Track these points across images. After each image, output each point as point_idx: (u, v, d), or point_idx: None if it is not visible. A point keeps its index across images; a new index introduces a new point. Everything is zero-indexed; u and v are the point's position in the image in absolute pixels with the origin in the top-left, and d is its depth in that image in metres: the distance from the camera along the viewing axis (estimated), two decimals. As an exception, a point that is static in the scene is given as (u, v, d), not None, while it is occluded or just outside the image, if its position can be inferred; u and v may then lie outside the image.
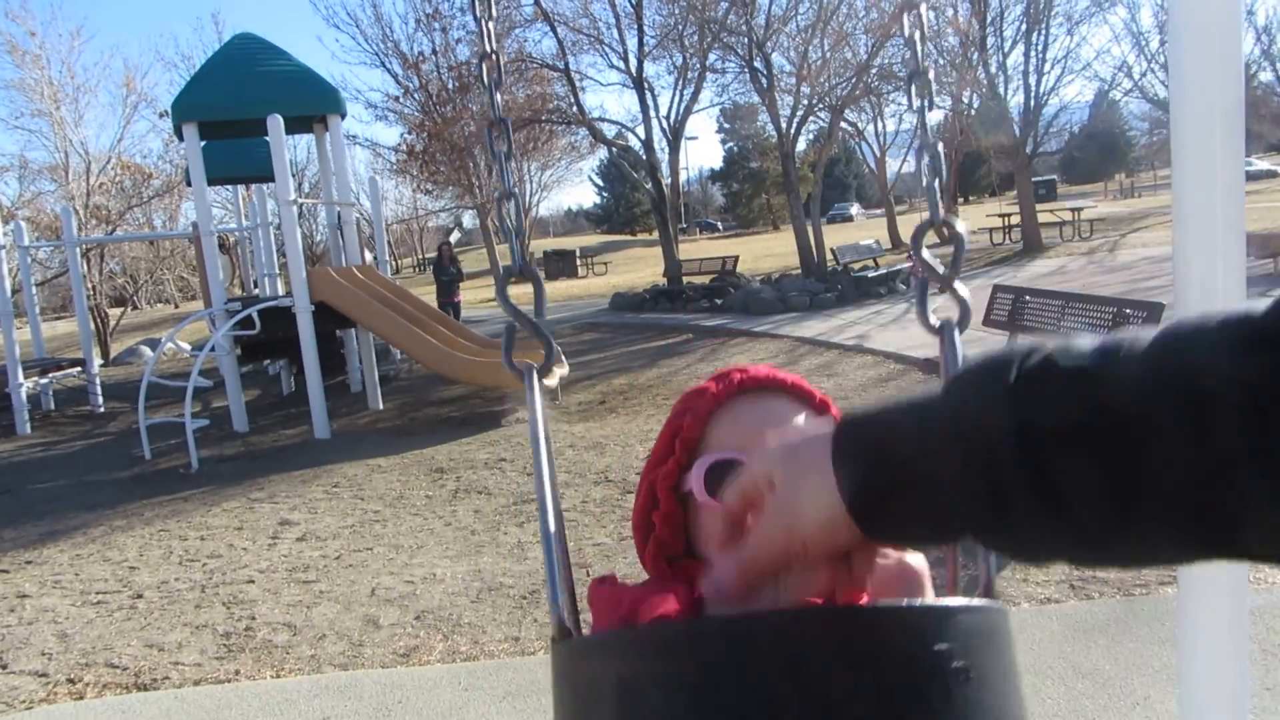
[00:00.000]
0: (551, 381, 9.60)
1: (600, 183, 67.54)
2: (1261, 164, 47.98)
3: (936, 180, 1.03)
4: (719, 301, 17.29)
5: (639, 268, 36.48)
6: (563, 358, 10.28)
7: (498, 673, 3.43)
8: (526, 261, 1.11)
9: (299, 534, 5.80)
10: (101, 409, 12.18)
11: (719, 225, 69.07)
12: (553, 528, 0.87)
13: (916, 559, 0.80)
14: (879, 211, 44.28)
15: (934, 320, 0.97)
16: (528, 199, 40.02)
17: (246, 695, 3.40)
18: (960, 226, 0.97)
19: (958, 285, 0.94)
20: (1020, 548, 0.54)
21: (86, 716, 3.36)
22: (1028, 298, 7.02)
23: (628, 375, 11.25)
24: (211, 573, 5.16)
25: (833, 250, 18.01)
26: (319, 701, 3.28)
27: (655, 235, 24.25)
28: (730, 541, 0.69)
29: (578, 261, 38.82)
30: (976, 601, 0.72)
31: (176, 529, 6.16)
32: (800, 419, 0.89)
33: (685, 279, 20.07)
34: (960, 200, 41.95)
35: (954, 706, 0.63)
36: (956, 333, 0.96)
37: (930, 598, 0.78)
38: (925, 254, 0.95)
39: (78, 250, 13.47)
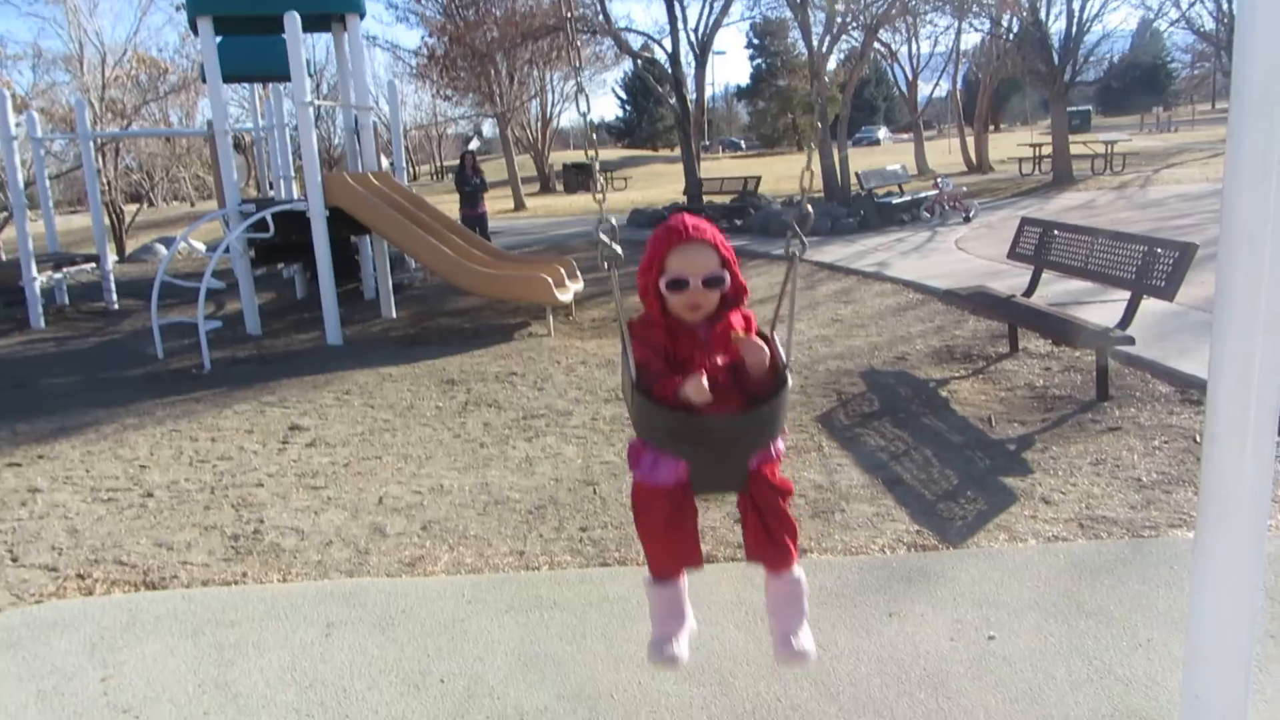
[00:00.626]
0: (566, 296, 9.56)
1: (624, 95, 66.20)
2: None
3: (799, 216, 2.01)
4: (739, 222, 17.04)
5: (660, 184, 35.98)
6: (577, 272, 10.19)
7: (501, 586, 3.45)
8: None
9: (309, 439, 5.82)
10: (115, 306, 12.20)
11: (742, 144, 67.82)
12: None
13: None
14: (906, 136, 43.30)
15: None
16: (548, 109, 39.32)
17: (252, 598, 3.43)
18: (809, 210, 1.80)
19: (773, 337, 2.08)
20: None
21: (94, 612, 3.40)
22: (1056, 232, 6.83)
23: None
24: (221, 475, 5.19)
25: (857, 174, 17.64)
26: (324, 608, 3.31)
27: (677, 151, 23.79)
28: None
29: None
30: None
31: (188, 429, 6.20)
32: (704, 252, 2.11)
33: (705, 198, 19.76)
34: (992, 128, 40.94)
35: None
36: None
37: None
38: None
39: (91, 144, 13.31)
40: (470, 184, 13.94)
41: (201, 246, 17.07)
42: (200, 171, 30.06)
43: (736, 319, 2.17)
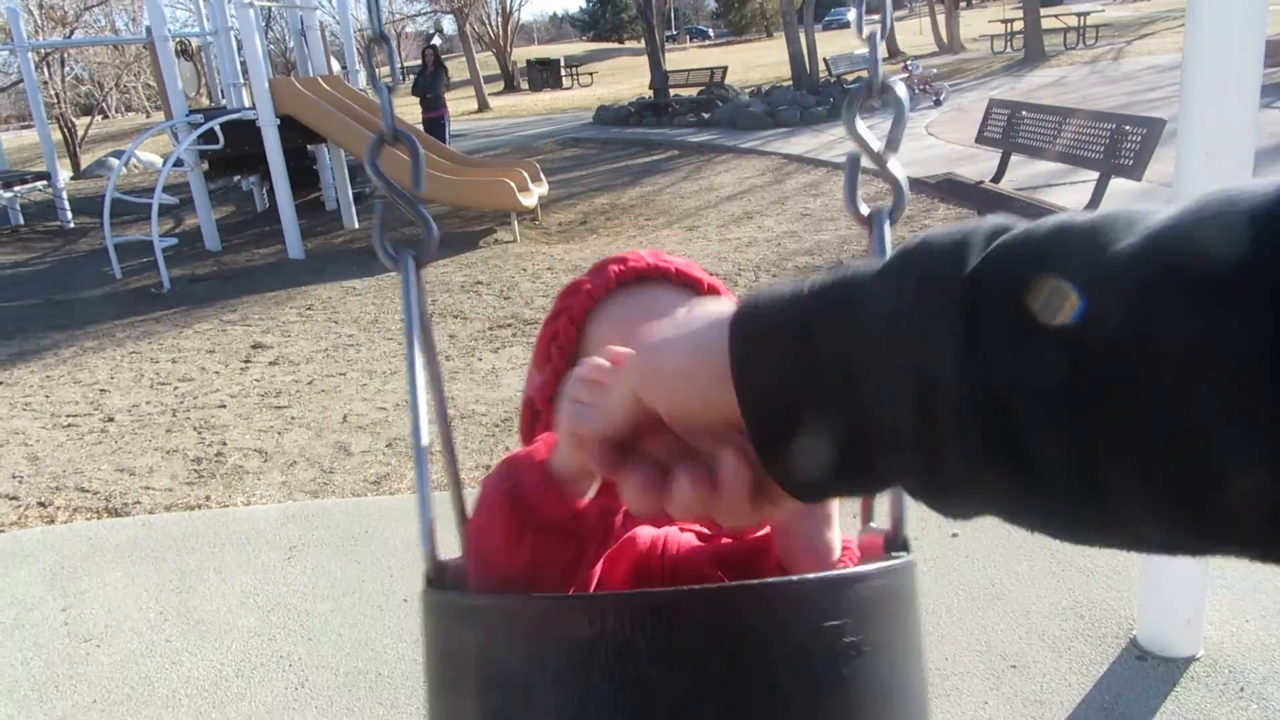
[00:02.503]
0: (530, 200, 9.34)
1: (586, -16, 63.84)
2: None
3: (878, 33, 0.87)
4: (706, 116, 16.65)
5: (626, 78, 35.01)
6: (541, 175, 9.96)
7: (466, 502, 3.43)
8: (400, 124, 0.92)
9: (271, 358, 5.73)
10: (71, 224, 11.85)
11: (710, 32, 65.93)
12: (425, 441, 0.77)
13: None
14: (877, 18, 42.12)
15: (864, 208, 0.84)
16: (509, 3, 37.87)
17: (214, 523, 3.41)
18: (901, 91, 0.82)
19: (892, 164, 0.79)
20: (950, 497, 0.41)
21: (55, 541, 3.37)
22: (1024, 113, 6.69)
23: (610, 194, 10.93)
24: (183, 396, 5.12)
25: (825, 60, 17.19)
26: (286, 530, 3.29)
27: (643, 43, 23.08)
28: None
29: (562, 71, 37.19)
30: (873, 567, 0.63)
31: (148, 351, 6.08)
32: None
33: (672, 91, 19.25)
34: (963, 4, 39.87)
35: (843, 684, 0.56)
36: (888, 225, 0.83)
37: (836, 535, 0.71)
38: (859, 127, 0.79)
39: (30, 55, 12.69)
40: (425, 82, 12.73)
41: (157, 160, 16.53)
42: (152, 80, 28.92)
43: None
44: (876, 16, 0.97)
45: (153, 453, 4.33)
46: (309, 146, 10.97)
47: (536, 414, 0.89)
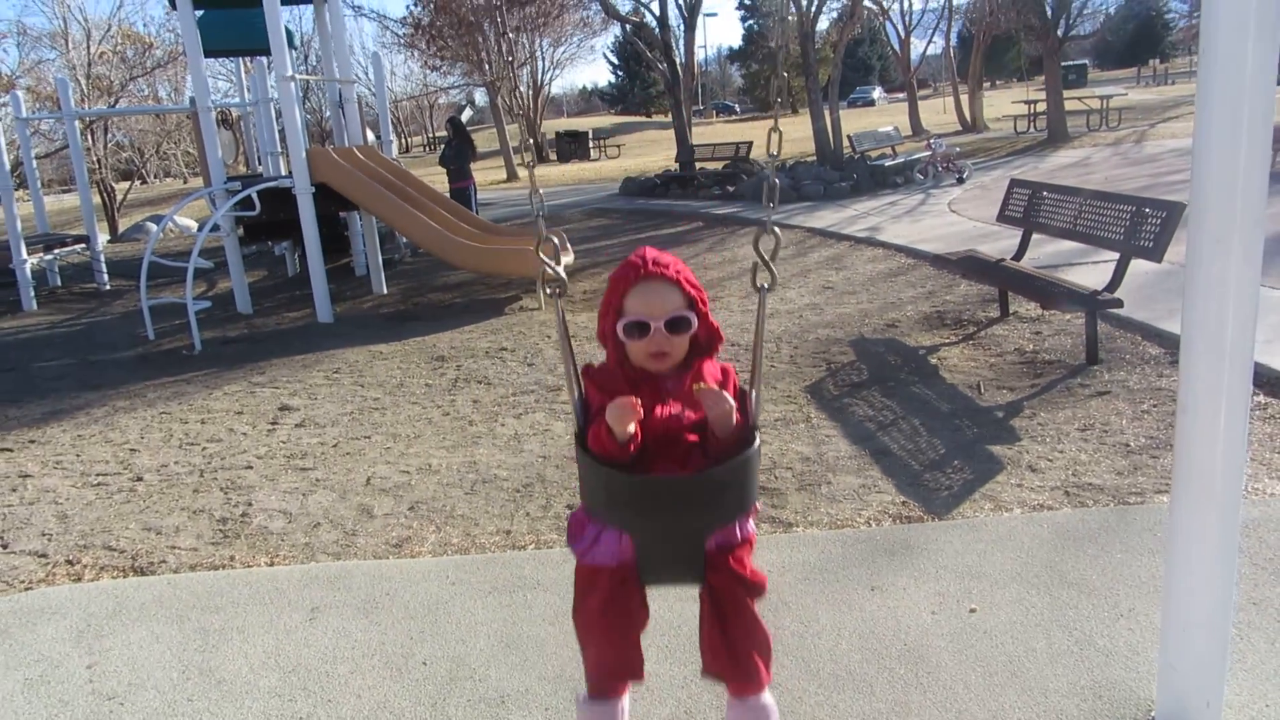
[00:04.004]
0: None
1: (615, 60, 65.54)
2: None
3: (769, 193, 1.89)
4: (730, 189, 16.93)
5: (653, 150, 35.70)
6: (568, 244, 10.14)
7: (485, 567, 3.46)
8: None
9: (298, 420, 5.82)
10: (107, 286, 12.16)
11: (736, 107, 67.26)
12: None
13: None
14: (901, 96, 42.91)
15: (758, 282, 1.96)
16: (539, 76, 38.92)
17: (238, 583, 3.45)
18: (778, 233, 1.86)
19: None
20: None
21: (82, 599, 3.41)
22: (1045, 193, 6.78)
23: (634, 264, 11.09)
24: (211, 457, 5.20)
25: (849, 137, 17.50)
26: (309, 591, 3.32)
27: (670, 117, 23.58)
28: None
29: (590, 143, 38.00)
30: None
31: (178, 411, 6.19)
32: (666, 291, 1.84)
33: (698, 164, 19.62)
34: (986, 85, 40.53)
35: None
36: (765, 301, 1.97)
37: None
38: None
39: (77, 122, 13.19)
40: (451, 154, 12.92)
41: (192, 225, 16.98)
42: (191, 148, 29.80)
43: (710, 369, 1.91)
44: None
45: (179, 512, 4.39)
46: (341, 214, 11.26)
47: (606, 336, 1.93)
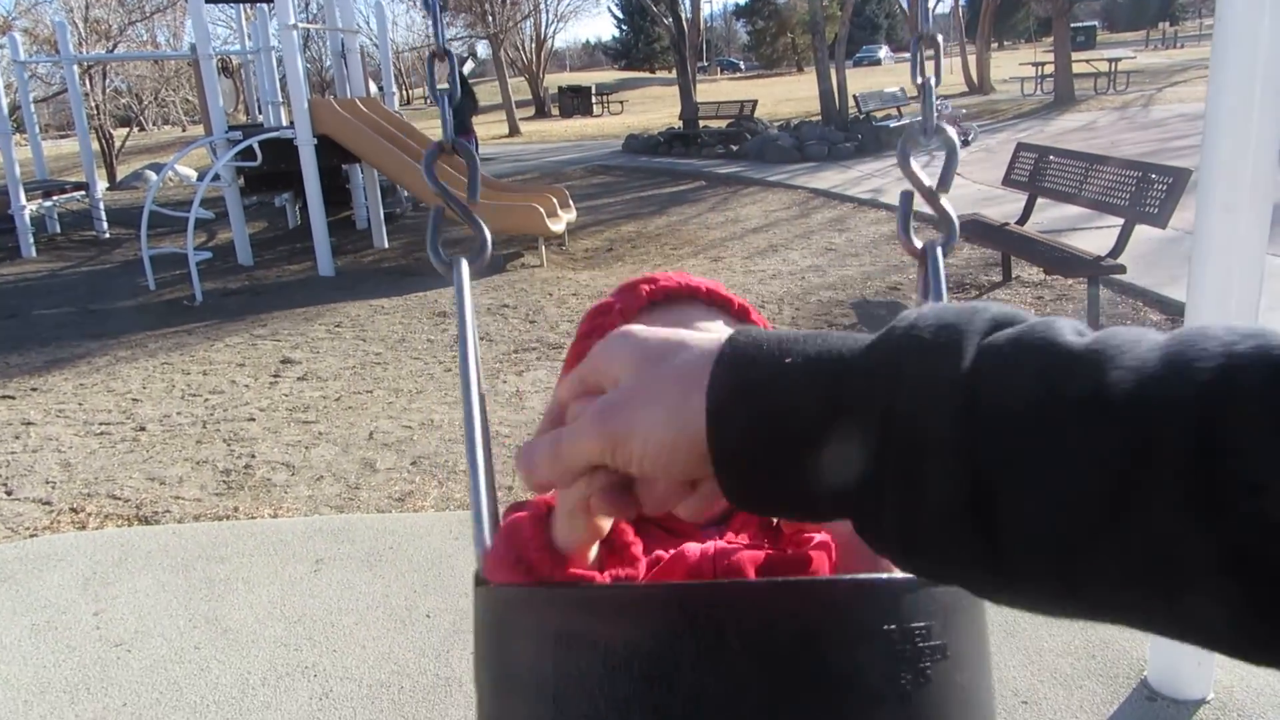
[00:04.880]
0: (558, 226, 9.46)
1: (620, 14, 64.60)
2: None
3: (933, 76, 0.93)
4: (734, 148, 16.80)
5: (656, 107, 35.34)
6: (569, 201, 10.09)
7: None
8: (457, 137, 1.01)
9: (300, 373, 5.83)
10: (106, 234, 12.10)
11: (741, 65, 66.47)
12: (480, 452, 0.79)
13: None
14: (906, 55, 42.38)
15: (917, 241, 0.90)
16: (542, 29, 38.40)
17: (243, 534, 3.48)
18: (952, 133, 0.88)
19: (944, 202, 0.85)
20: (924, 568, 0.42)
21: (87, 547, 3.45)
22: (1051, 157, 6.74)
23: (637, 222, 11.05)
24: (213, 409, 5.22)
25: (855, 97, 17.33)
26: (313, 543, 3.36)
27: (674, 74, 23.31)
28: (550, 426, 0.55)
29: (593, 99, 37.60)
30: None
31: (180, 362, 6.21)
32: (715, 327, 0.80)
33: (701, 123, 19.45)
34: (995, 45, 40.01)
35: (930, 688, 0.56)
36: (940, 256, 0.88)
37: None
38: (913, 165, 0.87)
39: (75, 67, 13.02)
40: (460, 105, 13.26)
41: (192, 174, 16.86)
42: (190, 95, 29.47)
43: None
44: (930, 52, 1.03)
45: (183, 463, 4.42)
46: (343, 166, 11.18)
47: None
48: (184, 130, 38.31)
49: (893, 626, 0.56)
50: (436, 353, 6.14)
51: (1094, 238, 7.15)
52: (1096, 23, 50.41)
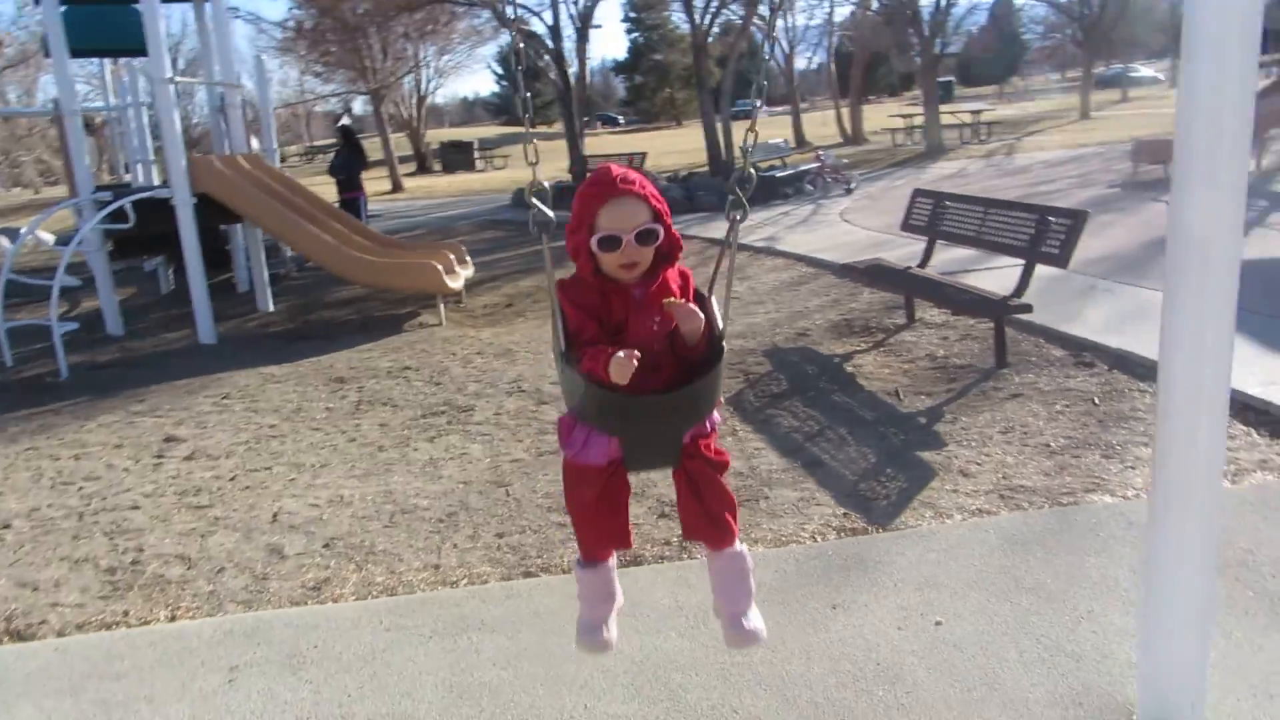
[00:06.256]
0: (456, 283, 9.20)
1: (500, 70, 64.83)
2: (1146, 70, 49.40)
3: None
4: (625, 199, 16.84)
5: (541, 162, 35.34)
6: (466, 257, 9.84)
7: (421, 609, 3.19)
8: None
9: (187, 452, 5.36)
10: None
11: (620, 119, 67.55)
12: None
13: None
14: (780, 109, 43.91)
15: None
16: (423, 85, 38.13)
17: (138, 643, 3.08)
18: (752, 172, 2.04)
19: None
20: None
21: (-50, 671, 2.98)
22: (948, 203, 6.92)
23: (535, 277, 10.85)
24: (90, 497, 4.72)
25: (742, 148, 17.68)
26: (223, 648, 2.99)
27: (556, 128, 23.37)
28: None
29: (475, 154, 37.43)
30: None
31: (46, 447, 5.63)
32: (636, 206, 1.98)
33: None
34: (865, 99, 41.86)
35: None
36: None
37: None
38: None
39: (-85, 131, 12.05)
40: (340, 163, 12.39)
41: (49, 238, 15.75)
42: (45, 155, 27.83)
43: (673, 276, 2.11)
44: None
45: (59, 563, 3.94)
46: (222, 226, 10.63)
47: (578, 251, 2.02)
48: (36, 193, 36.13)
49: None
50: (337, 421, 5.77)
51: (990, 277, 7.36)
52: (953, 78, 53.48)
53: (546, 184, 2.04)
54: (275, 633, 3.05)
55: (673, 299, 2.01)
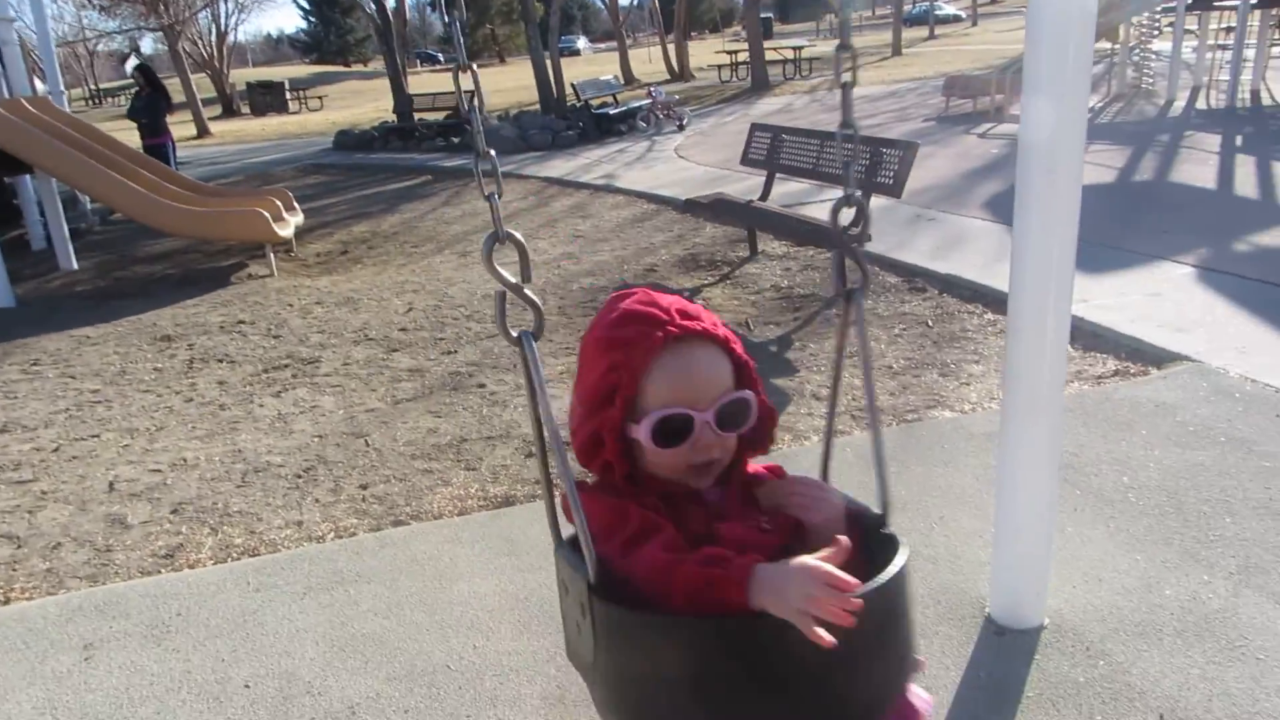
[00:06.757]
0: (286, 231, 8.71)
1: (306, 5, 61.00)
2: (949, 8, 51.98)
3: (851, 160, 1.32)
4: (456, 140, 16.38)
5: (359, 102, 33.78)
6: (295, 204, 9.33)
7: (290, 566, 3.07)
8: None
9: (-2, 424, 4.90)
10: None
11: (440, 57, 65.23)
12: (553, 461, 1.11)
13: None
14: (604, 46, 43.57)
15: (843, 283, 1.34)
16: (222, 21, 35.47)
17: (-27, 629, 2.82)
18: (868, 205, 1.27)
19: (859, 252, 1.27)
20: None
21: None
22: (785, 137, 7.10)
23: (368, 222, 10.44)
24: (-113, 480, 4.24)
25: (573, 85, 17.48)
26: (74, 626, 2.78)
27: (372, 67, 22.32)
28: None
29: (287, 95, 35.28)
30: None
31: None
32: (713, 362, 1.20)
33: (417, 115, 18.78)
34: (690, 36, 42.12)
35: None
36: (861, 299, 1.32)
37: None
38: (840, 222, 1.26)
39: None
40: (142, 106, 11.39)
41: None
42: None
43: (755, 470, 1.33)
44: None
45: None
46: (7, 179, 9.61)
47: (602, 442, 1.20)
48: None
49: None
50: (170, 382, 5.40)
51: (827, 209, 7.65)
52: (771, 14, 54.52)
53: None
54: (130, 605, 2.86)
55: (774, 479, 1.31)
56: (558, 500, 1.19)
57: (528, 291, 1.13)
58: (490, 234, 1.17)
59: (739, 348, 1.22)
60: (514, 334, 1.14)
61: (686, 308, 1.20)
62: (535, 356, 1.11)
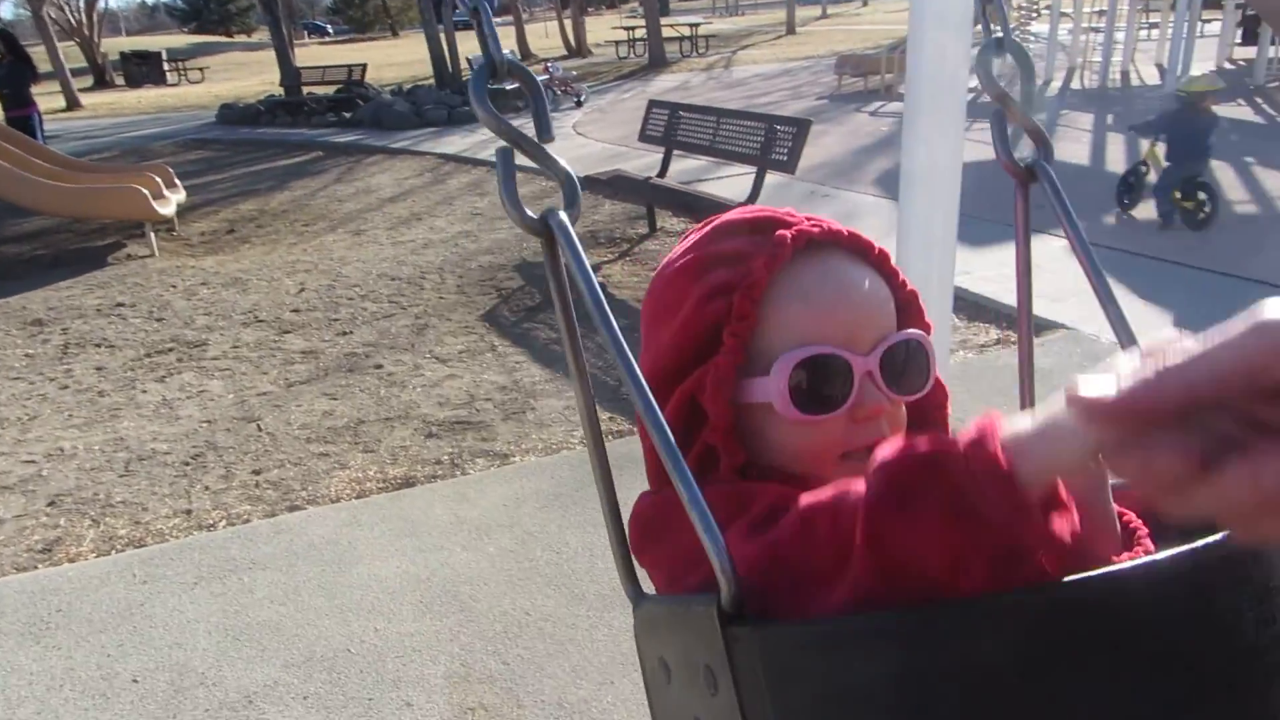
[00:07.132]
0: (168, 209, 8.33)
1: (183, -29, 58.08)
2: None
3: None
4: (347, 115, 15.89)
5: (243, 75, 32.41)
6: (176, 180, 8.92)
7: (180, 556, 2.97)
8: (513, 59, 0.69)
9: None
10: None
11: (329, 29, 63.15)
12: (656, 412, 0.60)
13: None
14: (500, 20, 42.83)
15: (1020, 157, 0.87)
16: (93, -15, 33.49)
17: None
18: (1029, 52, 0.94)
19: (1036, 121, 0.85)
20: None
21: None
22: (682, 114, 7.14)
23: (255, 199, 10.06)
24: None
25: (469, 60, 17.13)
26: (-59, 627, 2.63)
27: (256, 38, 21.45)
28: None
29: (165, 66, 33.58)
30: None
31: None
32: (869, 283, 0.72)
33: (305, 89, 18.14)
34: (587, 11, 41.77)
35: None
36: (1053, 174, 0.84)
37: None
38: (999, 83, 0.87)
39: None
40: (4, 74, 10.72)
41: None
42: None
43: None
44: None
45: None
46: None
47: (699, 415, 0.71)
48: None
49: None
50: (42, 368, 5.12)
51: (725, 186, 7.74)
52: (666, -10, 54.58)
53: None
54: (5, 602, 2.72)
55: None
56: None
57: (551, 154, 0.68)
58: (483, 63, 0.69)
59: (900, 273, 0.76)
60: (534, 216, 0.68)
61: (816, 218, 0.74)
62: (578, 247, 0.65)
